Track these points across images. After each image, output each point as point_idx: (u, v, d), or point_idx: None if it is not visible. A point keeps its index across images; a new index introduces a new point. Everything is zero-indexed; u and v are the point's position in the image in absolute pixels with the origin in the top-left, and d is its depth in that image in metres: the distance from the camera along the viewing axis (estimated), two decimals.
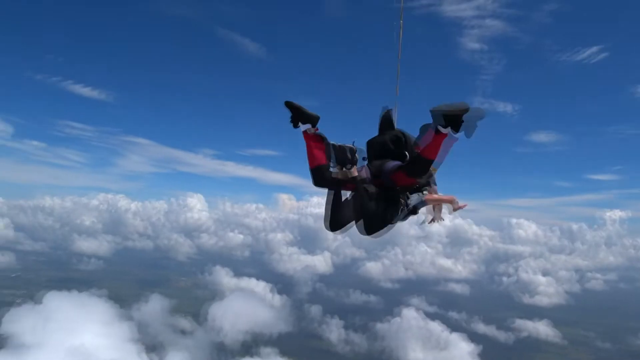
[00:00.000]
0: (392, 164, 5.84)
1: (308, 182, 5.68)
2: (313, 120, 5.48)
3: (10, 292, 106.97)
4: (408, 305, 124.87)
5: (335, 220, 5.93)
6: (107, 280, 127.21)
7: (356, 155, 5.43)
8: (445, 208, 6.43)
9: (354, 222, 5.94)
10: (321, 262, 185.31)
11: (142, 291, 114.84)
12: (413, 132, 6.00)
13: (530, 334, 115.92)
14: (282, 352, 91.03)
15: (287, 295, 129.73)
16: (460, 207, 6.23)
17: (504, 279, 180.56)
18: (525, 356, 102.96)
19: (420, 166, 5.45)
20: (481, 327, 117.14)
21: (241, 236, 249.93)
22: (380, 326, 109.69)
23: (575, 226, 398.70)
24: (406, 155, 5.96)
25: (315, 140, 5.53)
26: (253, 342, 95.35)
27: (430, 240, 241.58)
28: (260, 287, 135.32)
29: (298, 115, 5.43)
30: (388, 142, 6.18)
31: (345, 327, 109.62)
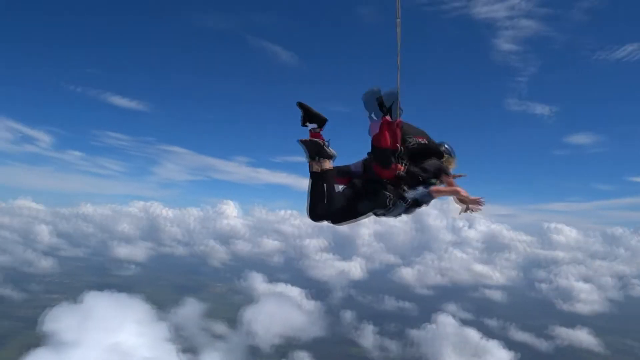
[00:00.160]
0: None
1: None
2: (320, 120, 5.91)
3: (52, 296, 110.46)
4: (443, 311, 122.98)
5: (318, 210, 5.94)
6: (144, 286, 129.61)
7: (327, 149, 5.79)
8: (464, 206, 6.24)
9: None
10: (354, 268, 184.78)
11: (178, 296, 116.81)
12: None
13: (570, 342, 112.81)
14: (315, 357, 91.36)
15: (320, 301, 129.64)
16: (470, 202, 6.05)
17: (542, 285, 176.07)
18: None
19: (378, 156, 5.96)
20: (518, 335, 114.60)
21: (275, 242, 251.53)
22: (414, 333, 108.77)
23: (617, 231, 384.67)
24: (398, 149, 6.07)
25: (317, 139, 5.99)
26: (286, 346, 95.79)
27: (465, 246, 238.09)
28: (293, 292, 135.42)
29: (307, 115, 5.88)
30: None
31: (379, 333, 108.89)
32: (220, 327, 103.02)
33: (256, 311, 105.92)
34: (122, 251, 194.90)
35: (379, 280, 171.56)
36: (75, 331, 68.42)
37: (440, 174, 6.35)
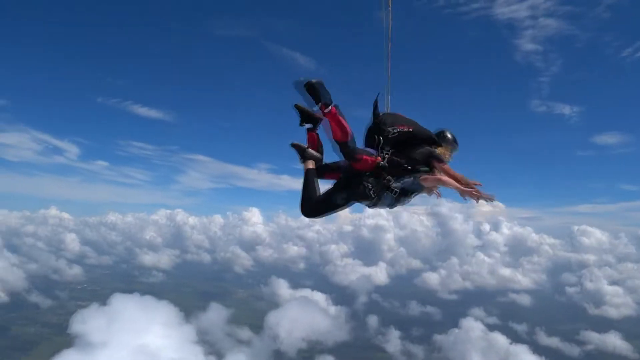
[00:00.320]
0: None
1: None
2: (315, 120, 6.59)
3: (78, 303, 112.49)
4: (468, 316, 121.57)
5: (303, 206, 6.36)
6: (169, 292, 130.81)
7: (308, 151, 6.62)
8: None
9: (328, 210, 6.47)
10: (378, 274, 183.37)
11: (202, 303, 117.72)
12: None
13: (597, 346, 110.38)
14: None
15: (343, 306, 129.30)
16: (463, 192, 5.85)
17: (569, 289, 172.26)
18: None
19: (338, 149, 6.25)
20: (545, 339, 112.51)
21: (297, 248, 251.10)
22: (439, 337, 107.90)
23: None
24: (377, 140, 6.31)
25: (312, 137, 6.73)
26: (310, 350, 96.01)
27: (490, 250, 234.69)
28: (317, 298, 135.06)
29: (304, 117, 6.56)
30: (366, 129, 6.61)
31: (403, 338, 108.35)
32: (244, 333, 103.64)
33: (281, 315, 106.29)
34: (148, 259, 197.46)
35: (403, 286, 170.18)
36: (103, 333, 69.66)
37: (430, 161, 6.23)
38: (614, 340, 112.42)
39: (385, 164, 6.13)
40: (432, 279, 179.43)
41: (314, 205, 6.27)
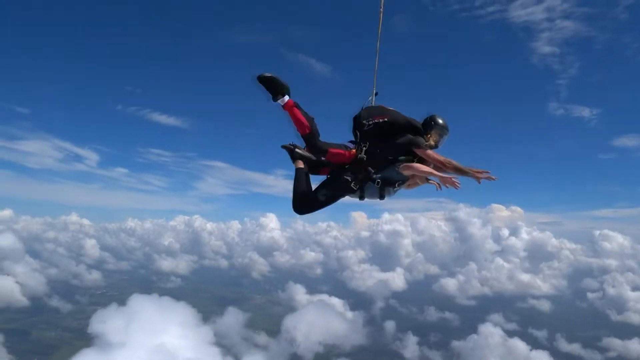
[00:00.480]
0: None
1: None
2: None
3: (97, 308, 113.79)
4: (487, 322, 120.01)
5: (294, 203, 6.63)
6: (186, 297, 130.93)
7: (295, 151, 6.70)
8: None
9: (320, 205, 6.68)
10: (394, 279, 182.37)
11: (219, 308, 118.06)
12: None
13: (620, 353, 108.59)
14: None
15: (360, 311, 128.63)
16: (443, 181, 5.85)
17: (590, 294, 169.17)
18: None
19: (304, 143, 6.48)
20: (565, 345, 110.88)
21: (314, 254, 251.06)
22: (457, 344, 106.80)
23: None
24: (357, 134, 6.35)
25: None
26: (327, 354, 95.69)
27: (509, 255, 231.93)
28: (334, 303, 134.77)
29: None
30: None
31: (420, 344, 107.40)
32: (261, 338, 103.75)
33: (298, 319, 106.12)
34: (166, 264, 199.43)
35: (421, 291, 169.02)
36: (121, 333, 70.31)
37: (410, 148, 6.15)
38: (637, 347, 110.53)
39: (364, 155, 6.18)
40: (450, 284, 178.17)
41: (304, 202, 6.58)
